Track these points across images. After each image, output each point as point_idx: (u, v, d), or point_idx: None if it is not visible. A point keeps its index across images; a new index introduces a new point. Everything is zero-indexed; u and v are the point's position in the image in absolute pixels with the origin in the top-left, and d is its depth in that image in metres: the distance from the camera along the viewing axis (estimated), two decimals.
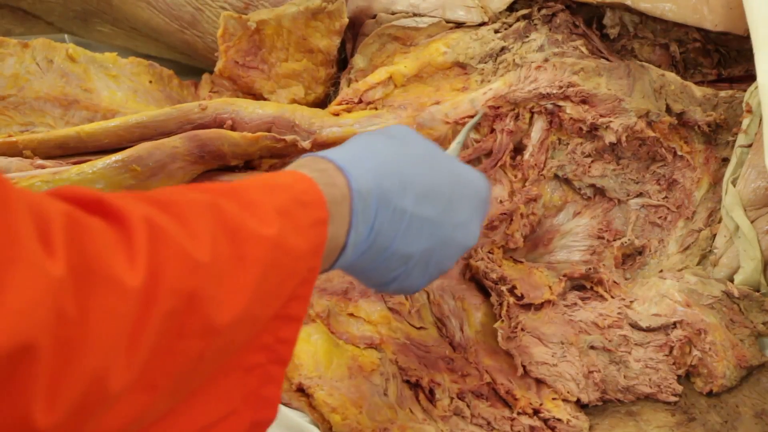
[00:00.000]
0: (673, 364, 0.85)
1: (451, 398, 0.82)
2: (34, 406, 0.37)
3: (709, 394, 0.86)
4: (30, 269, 0.37)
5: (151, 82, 0.96)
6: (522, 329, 0.85)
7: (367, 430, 0.77)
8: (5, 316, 0.35)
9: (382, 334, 0.83)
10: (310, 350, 0.80)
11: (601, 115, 0.90)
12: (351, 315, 0.84)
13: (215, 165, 0.88)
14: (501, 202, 0.89)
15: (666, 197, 0.94)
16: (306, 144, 0.87)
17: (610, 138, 0.90)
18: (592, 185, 0.93)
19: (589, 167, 0.92)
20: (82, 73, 0.93)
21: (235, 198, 0.51)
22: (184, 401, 0.48)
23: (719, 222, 0.92)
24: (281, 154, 0.90)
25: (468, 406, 0.82)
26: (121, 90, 0.94)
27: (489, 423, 0.81)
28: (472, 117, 0.89)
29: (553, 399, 0.84)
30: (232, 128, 0.87)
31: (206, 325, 0.46)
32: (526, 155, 0.90)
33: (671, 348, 0.85)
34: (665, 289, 0.88)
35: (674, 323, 0.86)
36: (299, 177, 0.57)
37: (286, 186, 0.55)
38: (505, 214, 0.89)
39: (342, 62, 0.98)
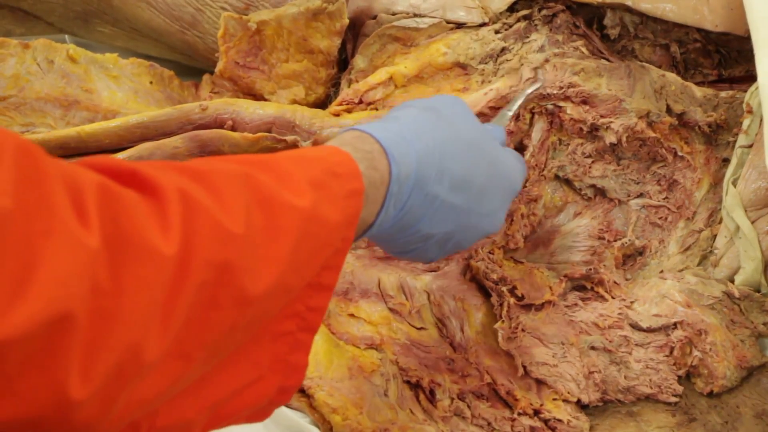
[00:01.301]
0: (674, 364, 0.85)
1: (452, 399, 0.82)
2: (69, 377, 0.37)
3: (710, 394, 0.86)
4: (66, 241, 0.37)
5: (151, 82, 0.96)
6: (522, 330, 0.85)
7: (367, 430, 0.77)
8: (43, 287, 0.35)
9: (382, 334, 0.83)
10: (311, 351, 0.80)
11: (602, 116, 0.90)
12: (351, 315, 0.84)
13: None
14: None
15: (666, 198, 0.94)
16: (306, 144, 0.87)
17: (610, 138, 0.90)
18: (593, 186, 0.93)
19: (590, 168, 0.92)
20: (83, 74, 0.93)
21: (269, 169, 0.51)
22: (215, 367, 0.49)
23: (720, 222, 0.92)
24: None
25: (468, 406, 0.82)
26: (121, 91, 0.95)
27: (489, 423, 0.81)
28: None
29: (554, 399, 0.84)
30: (233, 129, 0.88)
31: (240, 296, 0.46)
32: (527, 156, 0.91)
33: (672, 348, 0.85)
34: (666, 290, 0.88)
35: (675, 324, 0.86)
36: (335, 150, 0.57)
37: (320, 158, 0.56)
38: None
39: (342, 63, 0.98)
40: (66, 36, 1.06)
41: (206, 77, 0.97)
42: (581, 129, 0.90)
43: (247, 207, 0.47)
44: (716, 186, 0.93)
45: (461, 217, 0.66)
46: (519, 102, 0.84)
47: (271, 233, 0.48)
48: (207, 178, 0.47)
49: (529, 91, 0.86)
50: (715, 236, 0.92)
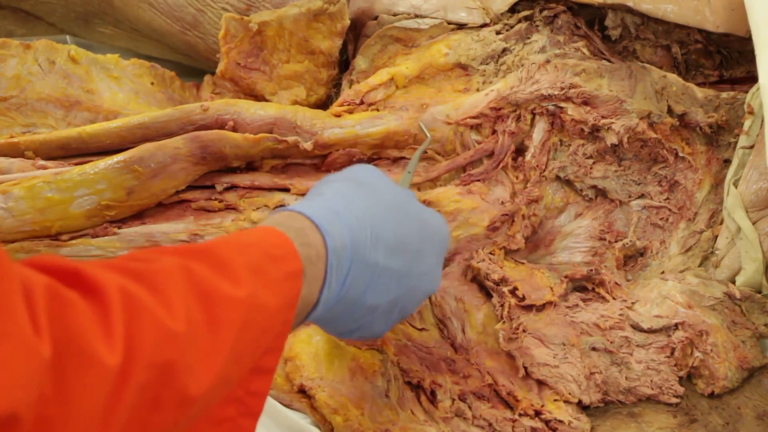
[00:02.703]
0: (675, 365, 0.85)
1: (453, 399, 0.82)
2: None
3: (711, 395, 0.86)
4: (22, 348, 0.38)
5: (152, 83, 0.96)
6: (523, 330, 0.85)
7: (368, 431, 0.77)
8: None
9: (383, 335, 0.83)
10: (312, 351, 0.80)
11: (603, 117, 0.90)
12: None
13: (217, 166, 0.88)
14: (502, 203, 0.89)
15: (667, 198, 0.94)
16: (308, 145, 0.87)
17: (611, 139, 0.90)
18: (594, 186, 0.93)
19: (591, 168, 0.92)
20: (84, 75, 0.93)
21: (206, 259, 0.51)
22: None
23: (721, 223, 0.92)
24: (283, 155, 0.90)
25: (469, 407, 0.82)
26: (122, 91, 0.95)
27: (490, 424, 0.81)
28: (474, 118, 0.89)
29: (555, 400, 0.83)
30: (234, 129, 0.88)
31: (182, 396, 0.46)
32: (528, 156, 0.91)
33: (673, 349, 0.85)
34: (667, 291, 0.88)
35: (676, 324, 0.86)
36: (269, 231, 0.57)
37: (257, 242, 0.56)
38: (506, 215, 0.89)
39: (343, 64, 0.98)
40: (67, 37, 1.06)
41: (207, 78, 0.97)
42: (582, 130, 0.90)
43: (186, 303, 0.47)
44: (717, 187, 0.93)
45: (402, 281, 0.66)
46: (415, 162, 0.86)
47: (212, 328, 0.48)
48: (147, 276, 0.47)
49: (422, 149, 0.87)
50: (716, 237, 0.92)
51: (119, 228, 0.86)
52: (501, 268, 0.87)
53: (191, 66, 1.05)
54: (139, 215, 0.87)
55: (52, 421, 0.39)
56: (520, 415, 0.82)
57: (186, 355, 0.46)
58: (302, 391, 0.79)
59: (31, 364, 0.38)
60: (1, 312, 0.38)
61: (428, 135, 0.89)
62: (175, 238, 0.86)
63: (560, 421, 0.82)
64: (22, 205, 0.81)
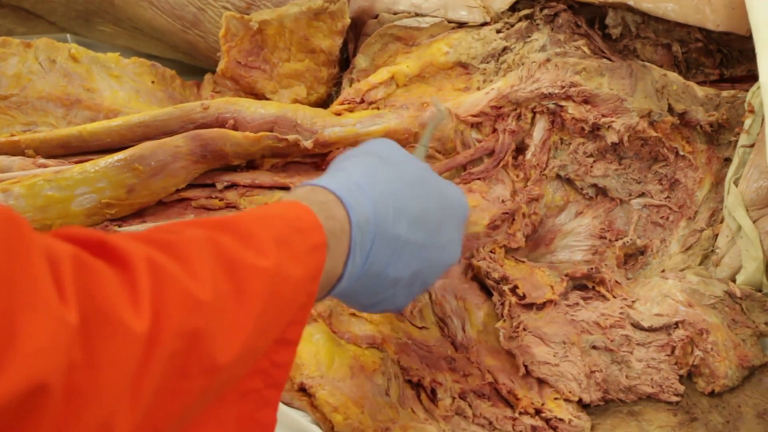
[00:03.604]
0: (675, 364, 0.85)
1: (453, 398, 0.82)
2: None
3: (711, 394, 0.86)
4: (48, 316, 0.38)
5: (153, 82, 0.96)
6: (524, 329, 0.85)
7: (368, 429, 0.77)
8: (23, 359, 0.36)
9: (383, 333, 0.83)
10: (312, 350, 0.81)
11: (603, 115, 0.90)
12: (353, 314, 0.84)
13: (217, 165, 0.88)
14: (503, 201, 0.89)
15: (668, 197, 0.94)
16: (308, 144, 0.88)
17: (612, 138, 0.90)
18: (594, 185, 0.93)
19: (591, 167, 0.92)
20: (85, 73, 0.94)
21: (232, 231, 0.51)
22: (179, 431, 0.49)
23: (721, 222, 0.92)
24: (283, 154, 0.90)
25: (470, 405, 0.82)
26: (123, 90, 0.95)
27: (491, 423, 0.81)
28: (474, 116, 0.89)
29: (555, 399, 0.83)
30: (234, 128, 0.88)
31: (209, 364, 0.46)
32: (528, 155, 0.91)
33: (673, 348, 0.85)
34: (667, 289, 0.88)
35: (676, 323, 0.86)
36: (293, 205, 0.58)
37: (281, 215, 0.56)
38: (507, 213, 0.89)
39: (344, 62, 0.98)
40: (68, 35, 1.07)
41: (208, 76, 0.97)
42: (583, 128, 0.90)
43: (213, 273, 0.47)
44: (718, 185, 0.93)
45: (424, 254, 0.66)
46: (428, 135, 0.85)
47: (238, 298, 0.48)
48: (173, 246, 0.47)
49: (436, 122, 0.86)
50: (716, 236, 0.92)
51: (119, 226, 0.86)
52: (501, 266, 0.87)
53: (192, 65, 1.05)
54: (140, 214, 0.88)
55: (81, 391, 0.39)
56: (520, 413, 0.82)
57: (213, 324, 0.46)
58: (302, 390, 0.79)
59: (59, 332, 0.38)
60: (25, 281, 0.37)
61: (441, 109, 0.87)
62: None
63: (560, 420, 0.82)
64: (23, 204, 0.81)
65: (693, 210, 0.93)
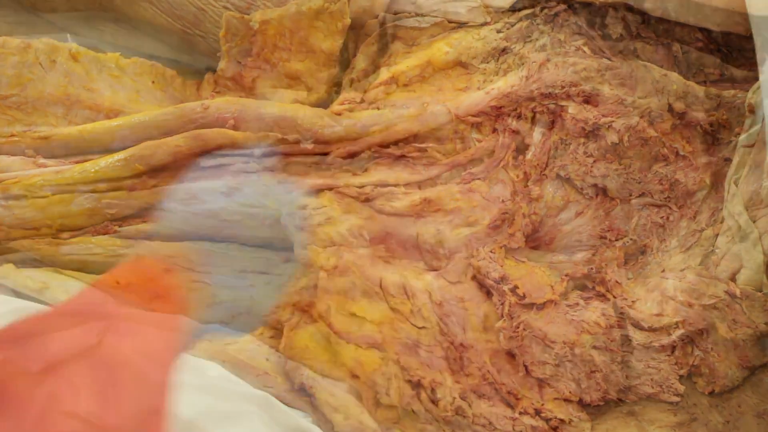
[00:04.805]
0: (675, 364, 0.85)
1: (453, 398, 0.82)
2: None
3: (711, 393, 0.86)
4: None
5: (153, 82, 0.96)
6: (524, 329, 0.85)
7: (369, 430, 0.77)
8: None
9: (384, 333, 0.83)
10: (312, 350, 0.80)
11: (604, 115, 0.90)
12: (353, 315, 0.84)
13: None
14: (503, 201, 0.89)
15: (668, 197, 0.94)
16: (308, 143, 0.88)
17: (612, 138, 0.90)
18: (594, 185, 0.93)
19: (592, 167, 0.92)
20: (85, 73, 0.94)
21: None
22: None
23: (721, 222, 0.92)
24: (283, 153, 0.90)
25: (470, 405, 0.82)
26: (123, 90, 0.95)
27: (491, 423, 0.81)
28: (475, 116, 0.89)
29: (555, 399, 0.83)
30: (234, 128, 0.88)
31: None
32: (529, 155, 0.91)
33: (673, 348, 0.85)
34: (667, 289, 0.88)
35: (676, 323, 0.86)
36: None
37: None
38: (507, 213, 0.89)
39: (344, 62, 0.98)
40: (68, 35, 1.06)
41: (208, 76, 0.97)
42: (583, 128, 0.90)
43: None
44: (718, 185, 0.93)
45: None
46: None
47: None
48: None
49: None
50: (716, 236, 0.92)
51: (120, 226, 0.86)
52: (501, 266, 0.87)
53: (192, 64, 1.05)
54: (140, 214, 0.88)
55: None
56: (520, 413, 0.82)
57: None
58: (303, 390, 0.79)
59: None
60: None
61: None
62: None
63: (560, 420, 0.82)
64: (23, 203, 0.81)
65: (693, 210, 0.93)
